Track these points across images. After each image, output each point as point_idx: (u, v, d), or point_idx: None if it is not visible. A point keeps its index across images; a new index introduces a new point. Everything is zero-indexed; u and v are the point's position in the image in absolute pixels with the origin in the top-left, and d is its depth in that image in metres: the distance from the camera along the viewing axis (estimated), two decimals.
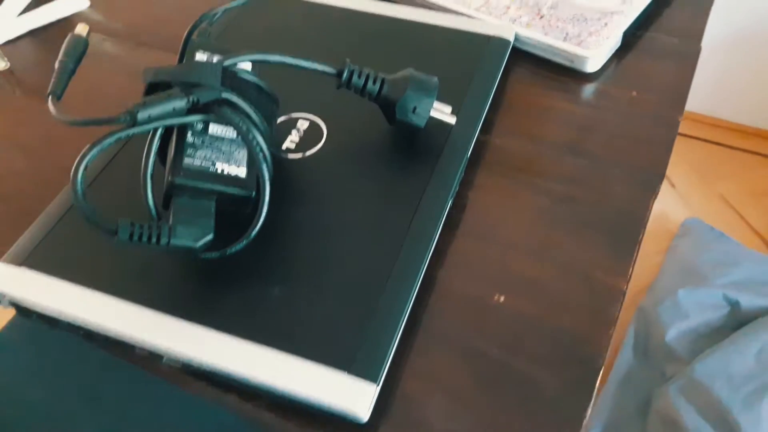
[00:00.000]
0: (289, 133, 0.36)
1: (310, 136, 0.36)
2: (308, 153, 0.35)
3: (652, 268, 1.22)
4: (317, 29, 0.43)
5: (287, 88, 0.36)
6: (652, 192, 0.35)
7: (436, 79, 0.34)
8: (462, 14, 0.44)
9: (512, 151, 0.37)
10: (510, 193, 0.35)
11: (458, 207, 0.34)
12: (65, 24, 0.50)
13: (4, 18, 0.51)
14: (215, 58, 0.31)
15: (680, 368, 0.99)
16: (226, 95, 0.29)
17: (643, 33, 0.44)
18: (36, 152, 0.40)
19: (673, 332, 1.00)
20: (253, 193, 0.29)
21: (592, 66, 0.41)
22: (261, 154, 0.29)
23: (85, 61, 0.33)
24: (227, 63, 0.30)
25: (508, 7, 0.44)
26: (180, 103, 0.28)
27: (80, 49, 0.32)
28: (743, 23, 1.34)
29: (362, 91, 0.34)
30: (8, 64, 0.47)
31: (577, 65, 0.41)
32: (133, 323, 0.28)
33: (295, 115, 0.37)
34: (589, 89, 0.41)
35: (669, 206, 1.31)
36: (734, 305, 1.01)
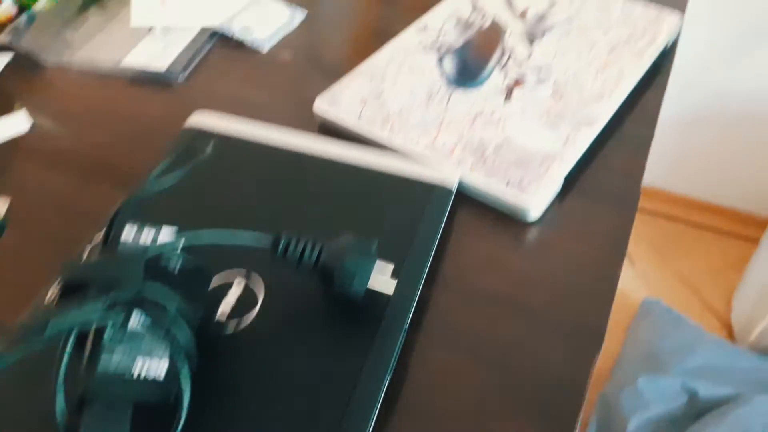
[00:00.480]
0: (223, 299, 0.36)
1: (245, 302, 0.35)
2: (241, 324, 0.34)
3: (613, 348, 1.23)
4: (256, 172, 0.43)
5: (221, 250, 0.35)
6: (592, 357, 0.35)
7: (375, 245, 0.34)
8: (407, 156, 0.45)
9: (452, 311, 0.37)
10: (450, 363, 0.35)
11: (397, 381, 0.34)
12: (5, 148, 0.49)
13: None
14: (143, 237, 0.31)
15: None
16: (146, 293, 0.28)
17: (584, 173, 0.45)
18: None
19: (635, 422, 1.00)
20: (174, 395, 0.28)
21: (533, 215, 0.42)
22: (181, 356, 0.28)
23: (27, 196, 0.32)
24: (151, 253, 0.30)
25: (453, 149, 0.44)
26: (95, 307, 0.27)
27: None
28: (700, 102, 1.39)
29: (299, 261, 0.33)
30: None
31: (518, 214, 0.42)
32: None
33: (229, 277, 0.37)
34: (530, 237, 0.41)
35: (628, 284, 1.33)
36: (693, 395, 1.02)
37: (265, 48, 0.58)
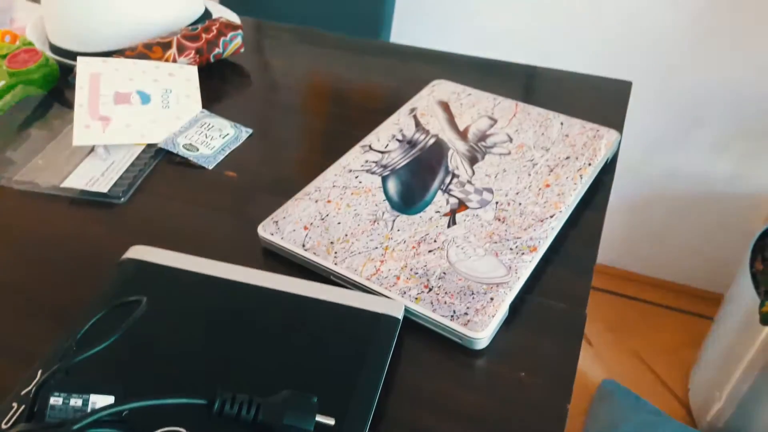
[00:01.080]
0: None
1: None
2: None
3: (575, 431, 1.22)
4: (196, 307, 0.42)
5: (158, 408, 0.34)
6: None
7: (315, 399, 0.34)
8: (352, 283, 0.44)
9: None
10: None
11: None
12: None
13: None
14: (72, 402, 0.29)
15: None
16: None
17: (529, 298, 0.45)
18: None
19: None
20: None
21: (479, 345, 0.41)
22: None
23: None
24: (77, 427, 0.28)
25: (398, 278, 0.44)
26: None
27: None
28: (649, 184, 1.44)
29: (236, 417, 0.32)
30: None
31: (465, 344, 0.42)
32: None
33: (165, 429, 0.35)
34: (477, 369, 0.41)
35: (586, 365, 1.33)
36: None
37: (211, 165, 0.57)
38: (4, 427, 0.33)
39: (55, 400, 0.29)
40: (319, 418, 0.33)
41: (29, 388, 0.36)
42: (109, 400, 0.30)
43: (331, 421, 0.34)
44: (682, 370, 1.36)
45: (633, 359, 1.37)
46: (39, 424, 0.28)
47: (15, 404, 0.36)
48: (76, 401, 0.29)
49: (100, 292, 0.43)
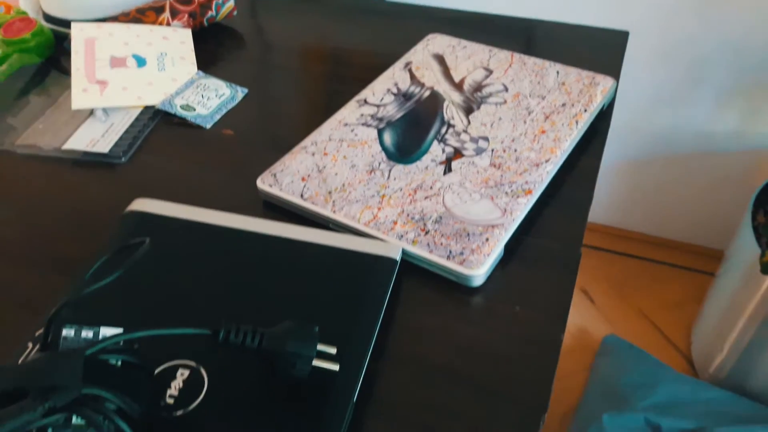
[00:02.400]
0: (168, 385, 0.35)
1: (191, 387, 0.35)
2: (189, 408, 0.34)
3: (576, 388, 1.23)
4: (198, 253, 0.43)
5: (165, 340, 0.35)
6: (536, 426, 0.35)
7: (316, 328, 0.35)
8: (350, 229, 0.45)
9: (399, 383, 0.37)
10: None
11: None
12: None
13: None
14: (83, 333, 0.31)
15: None
16: (86, 391, 0.28)
17: (525, 239, 0.46)
18: None
19: None
20: None
21: (475, 282, 0.42)
22: None
23: None
24: (89, 352, 0.29)
25: (395, 223, 0.45)
26: (33, 416, 0.27)
27: None
28: (648, 142, 1.44)
29: (241, 347, 0.34)
30: None
31: (462, 281, 0.43)
32: None
33: (174, 362, 0.36)
34: (474, 305, 0.42)
35: (589, 322, 1.35)
36: (656, 429, 1.03)
37: (208, 124, 0.58)
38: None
39: (67, 332, 0.30)
40: (320, 347, 0.35)
41: (41, 330, 0.37)
42: (119, 331, 0.31)
43: (332, 350, 0.35)
44: (685, 325, 1.38)
45: (636, 316, 1.39)
46: (53, 352, 0.29)
47: (30, 344, 0.37)
48: (87, 333, 0.31)
49: (105, 242, 0.44)
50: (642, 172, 1.49)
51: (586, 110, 0.55)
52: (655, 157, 1.46)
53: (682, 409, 1.06)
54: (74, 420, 0.28)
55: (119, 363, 0.31)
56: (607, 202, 1.57)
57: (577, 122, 0.53)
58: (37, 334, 0.38)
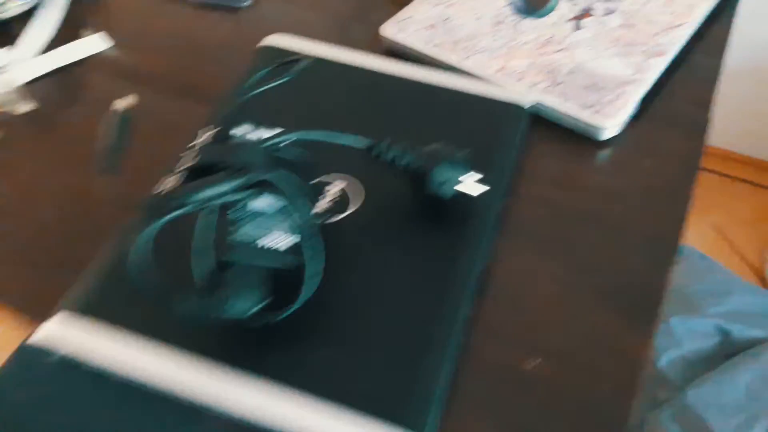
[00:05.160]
0: (323, 195, 0.37)
1: (343, 199, 0.37)
2: (342, 216, 0.36)
3: None
4: (335, 89, 0.44)
5: (320, 149, 0.37)
6: (668, 265, 0.36)
7: (466, 152, 0.36)
8: (480, 78, 0.45)
9: (534, 219, 0.39)
10: (534, 263, 0.37)
11: (487, 276, 0.36)
12: (87, 63, 0.51)
13: (22, 59, 0.51)
14: (258, 134, 0.32)
15: (672, 394, 1.01)
16: (271, 176, 0.30)
17: (657, 100, 0.46)
18: (66, 203, 0.41)
19: (666, 358, 1.02)
20: (296, 266, 0.31)
21: (607, 135, 0.42)
22: (309, 231, 0.30)
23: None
24: (269, 144, 0.31)
25: (526, 73, 0.45)
26: (231, 185, 0.29)
27: (126, 126, 0.33)
28: (735, 55, 1.37)
29: (393, 163, 0.35)
30: (35, 105, 0.47)
31: (593, 134, 0.43)
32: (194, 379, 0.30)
33: (327, 177, 0.38)
34: (604, 157, 0.42)
35: None
36: (726, 335, 1.04)
37: None
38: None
39: (239, 130, 0.32)
40: (466, 175, 0.36)
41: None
42: (292, 134, 0.33)
43: (478, 176, 0.36)
44: (760, 243, 1.35)
45: (711, 231, 1.37)
46: (237, 141, 0.31)
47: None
48: (259, 133, 0.32)
49: (242, 73, 0.45)
50: (727, 86, 1.43)
51: None
52: (742, 70, 1.39)
53: (754, 320, 1.06)
54: (265, 199, 0.30)
55: (292, 159, 0.32)
56: None
57: None
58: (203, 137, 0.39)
